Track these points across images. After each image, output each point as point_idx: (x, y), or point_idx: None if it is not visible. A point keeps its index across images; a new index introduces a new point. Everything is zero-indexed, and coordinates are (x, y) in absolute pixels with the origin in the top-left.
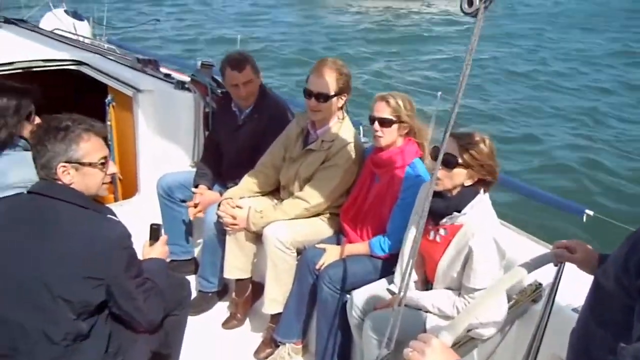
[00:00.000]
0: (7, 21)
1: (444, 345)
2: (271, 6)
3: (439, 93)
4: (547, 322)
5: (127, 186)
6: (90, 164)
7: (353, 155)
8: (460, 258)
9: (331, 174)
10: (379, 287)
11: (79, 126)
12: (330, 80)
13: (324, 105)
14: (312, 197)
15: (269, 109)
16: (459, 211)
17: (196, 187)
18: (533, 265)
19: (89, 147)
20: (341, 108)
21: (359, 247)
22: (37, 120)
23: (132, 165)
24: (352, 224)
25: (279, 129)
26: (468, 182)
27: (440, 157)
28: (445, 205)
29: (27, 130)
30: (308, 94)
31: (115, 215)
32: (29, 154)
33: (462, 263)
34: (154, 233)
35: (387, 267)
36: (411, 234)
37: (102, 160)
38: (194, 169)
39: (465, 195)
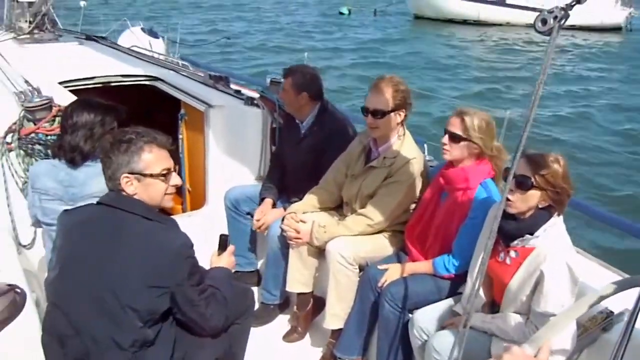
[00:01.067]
0: (89, 38)
1: (527, 355)
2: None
3: (508, 112)
4: (624, 351)
5: (195, 198)
6: (151, 175)
7: (415, 171)
8: (531, 282)
9: (393, 190)
10: (442, 308)
11: (141, 138)
12: (386, 97)
13: (380, 122)
14: (375, 214)
15: (328, 124)
16: (532, 234)
17: (262, 200)
18: (620, 286)
19: (151, 158)
20: (401, 124)
21: (422, 266)
22: None
23: (201, 178)
24: (417, 242)
25: (340, 145)
26: (542, 204)
27: (510, 178)
28: (517, 227)
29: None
30: (365, 111)
31: (178, 226)
32: None
33: (532, 287)
34: (223, 243)
35: (451, 288)
36: (480, 254)
37: (164, 172)
38: (260, 183)
39: (539, 218)
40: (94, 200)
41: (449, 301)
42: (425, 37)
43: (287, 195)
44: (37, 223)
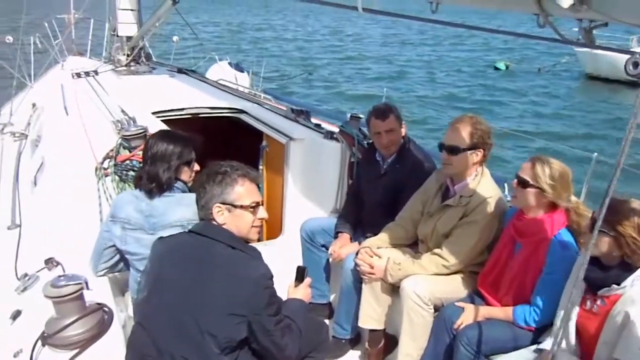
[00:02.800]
0: (180, 71)
1: None
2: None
3: (595, 154)
4: None
5: (272, 227)
6: (242, 207)
7: (492, 212)
8: (619, 328)
9: (470, 231)
10: (522, 357)
11: (235, 171)
12: (463, 135)
13: (455, 159)
14: (450, 255)
15: (411, 160)
16: (619, 284)
17: (337, 234)
18: None
19: (243, 191)
20: (479, 164)
21: (500, 312)
22: (197, 167)
23: (279, 208)
24: (491, 290)
25: (420, 181)
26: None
27: (598, 224)
28: (604, 277)
29: (185, 175)
30: (441, 147)
31: (260, 256)
32: (186, 196)
33: (619, 333)
34: (300, 275)
35: (530, 337)
36: (565, 303)
37: (254, 205)
38: (336, 216)
39: (626, 267)
40: (174, 229)
41: (529, 350)
42: (599, 98)
43: (363, 230)
44: (101, 251)
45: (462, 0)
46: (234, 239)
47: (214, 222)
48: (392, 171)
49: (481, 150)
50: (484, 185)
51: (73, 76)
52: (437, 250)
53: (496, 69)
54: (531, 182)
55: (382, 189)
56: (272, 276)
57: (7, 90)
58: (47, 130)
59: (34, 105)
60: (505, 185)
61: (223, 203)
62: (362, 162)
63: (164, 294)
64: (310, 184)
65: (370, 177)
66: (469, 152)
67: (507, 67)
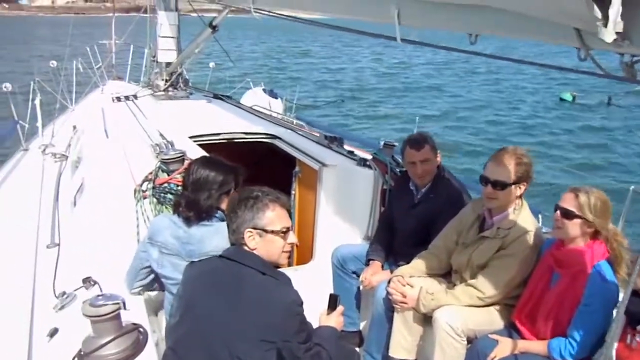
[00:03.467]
0: (216, 96)
1: None
2: None
3: (632, 187)
4: None
5: (302, 252)
6: (272, 232)
7: (530, 245)
8: None
9: (507, 264)
10: None
11: (267, 197)
12: (508, 169)
13: (500, 194)
14: (486, 287)
15: (446, 190)
16: None
17: (369, 261)
18: None
19: (274, 216)
20: (520, 197)
21: (535, 346)
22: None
23: (310, 233)
24: (527, 322)
25: (455, 212)
26: None
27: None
28: None
29: (224, 203)
30: (484, 181)
31: (290, 283)
32: (223, 225)
33: None
34: (332, 302)
35: None
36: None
37: (284, 230)
38: (368, 243)
39: None
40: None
41: None
42: None
43: (394, 258)
44: (137, 272)
45: (500, 32)
46: (264, 265)
47: (245, 247)
48: (426, 201)
49: (525, 183)
50: (523, 217)
51: (113, 100)
52: (471, 282)
53: (562, 100)
54: (576, 212)
55: (415, 218)
56: (302, 303)
57: (50, 113)
58: (88, 152)
59: (74, 127)
60: (540, 216)
61: (254, 228)
62: (395, 190)
63: (195, 319)
64: (342, 211)
65: (403, 206)
66: (513, 186)
67: (573, 98)
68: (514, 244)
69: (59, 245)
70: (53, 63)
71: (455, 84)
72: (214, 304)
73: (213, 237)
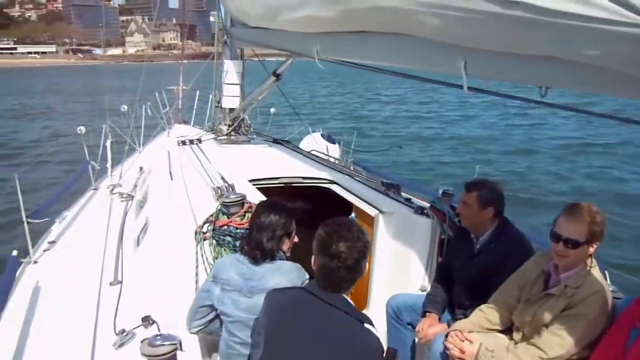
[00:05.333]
0: (276, 141)
1: None
2: None
3: None
4: None
5: (356, 300)
6: None
7: (600, 305)
8: None
9: (574, 324)
10: None
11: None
12: (583, 227)
13: (572, 252)
14: (550, 348)
15: (507, 241)
16: None
17: (425, 313)
18: None
19: None
20: (590, 255)
21: None
22: (296, 238)
23: (365, 281)
24: None
25: (516, 264)
26: None
27: None
28: None
29: (286, 245)
30: (556, 237)
31: (372, 324)
32: (285, 264)
33: None
34: (390, 357)
35: None
36: None
37: None
38: (424, 293)
39: None
40: None
41: None
42: None
43: (452, 311)
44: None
45: (573, 87)
46: (348, 305)
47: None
48: (487, 251)
49: (597, 242)
50: (593, 276)
51: (178, 143)
52: (534, 341)
53: None
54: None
55: (475, 269)
56: (383, 351)
57: (119, 154)
58: (152, 192)
59: (141, 168)
60: (606, 272)
61: None
62: (455, 239)
63: (279, 352)
64: (398, 259)
65: (462, 256)
66: (586, 245)
67: None
68: (583, 303)
69: (121, 282)
70: (124, 107)
71: (522, 134)
72: (296, 339)
73: (274, 275)
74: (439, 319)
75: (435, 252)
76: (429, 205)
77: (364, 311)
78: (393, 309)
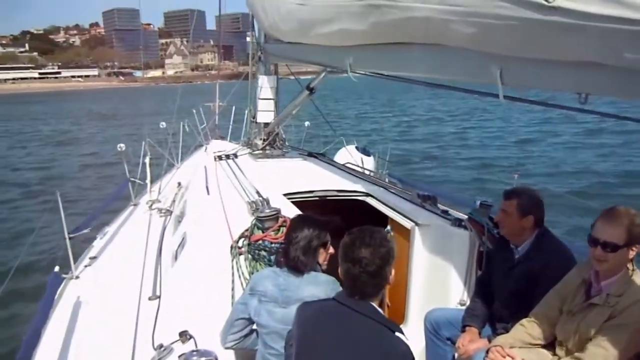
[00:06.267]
0: (310, 154)
1: None
2: None
3: None
4: None
5: (393, 314)
6: None
7: None
8: None
9: (618, 334)
10: None
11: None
12: (621, 230)
13: (610, 256)
14: None
15: (548, 252)
16: None
17: (464, 327)
18: None
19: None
20: (631, 260)
21: None
22: (331, 249)
23: (402, 295)
24: None
25: (558, 275)
26: None
27: None
28: None
29: (322, 256)
30: (593, 242)
31: (402, 332)
32: (320, 275)
33: None
34: None
35: None
36: None
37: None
38: (463, 308)
39: None
40: None
41: None
42: None
43: (493, 325)
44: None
45: (615, 93)
46: (377, 313)
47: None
48: (526, 261)
49: (637, 246)
50: (635, 284)
51: (215, 158)
52: (578, 354)
53: None
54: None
55: (515, 281)
56: (413, 357)
57: (158, 170)
58: (190, 208)
59: (179, 184)
60: None
61: None
62: (494, 251)
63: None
64: (435, 272)
65: (501, 268)
66: (625, 248)
67: None
68: (626, 312)
69: (159, 297)
70: (162, 124)
71: (561, 141)
72: (329, 349)
73: (309, 286)
74: (480, 334)
75: (474, 265)
76: (466, 217)
77: (401, 326)
78: (431, 324)
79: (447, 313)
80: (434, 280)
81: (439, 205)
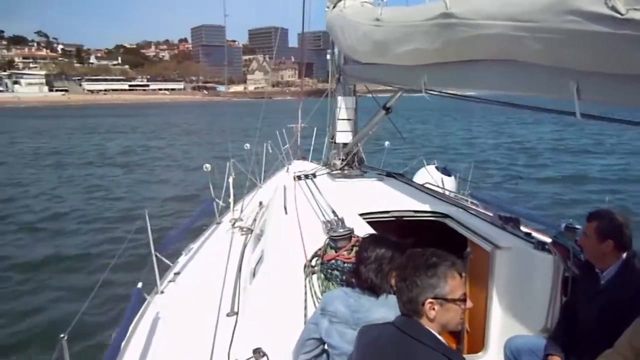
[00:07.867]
0: (389, 174)
1: None
2: None
3: None
4: None
5: (473, 340)
6: (453, 300)
7: None
8: None
9: None
10: None
11: (444, 263)
12: None
13: None
14: None
15: (636, 278)
16: None
17: (547, 356)
18: None
19: (455, 284)
20: None
21: None
22: None
23: (481, 321)
24: None
25: None
26: None
27: None
28: None
29: (394, 279)
30: None
31: None
32: (391, 297)
33: None
34: None
35: None
36: None
37: (463, 297)
38: (546, 336)
39: None
40: None
41: None
42: None
43: (577, 355)
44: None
45: None
46: (436, 342)
47: (417, 319)
48: (612, 287)
49: None
50: None
51: (295, 178)
52: None
53: None
54: None
55: (599, 308)
56: None
57: (241, 190)
58: (269, 226)
59: (260, 203)
60: None
61: (436, 297)
62: (579, 277)
63: None
64: (517, 298)
65: (586, 294)
66: None
67: None
68: None
69: (237, 313)
70: (247, 146)
71: None
72: None
73: (380, 308)
74: None
75: (559, 290)
76: (550, 240)
77: (480, 353)
78: (512, 352)
79: (528, 341)
80: (515, 306)
81: (521, 227)
